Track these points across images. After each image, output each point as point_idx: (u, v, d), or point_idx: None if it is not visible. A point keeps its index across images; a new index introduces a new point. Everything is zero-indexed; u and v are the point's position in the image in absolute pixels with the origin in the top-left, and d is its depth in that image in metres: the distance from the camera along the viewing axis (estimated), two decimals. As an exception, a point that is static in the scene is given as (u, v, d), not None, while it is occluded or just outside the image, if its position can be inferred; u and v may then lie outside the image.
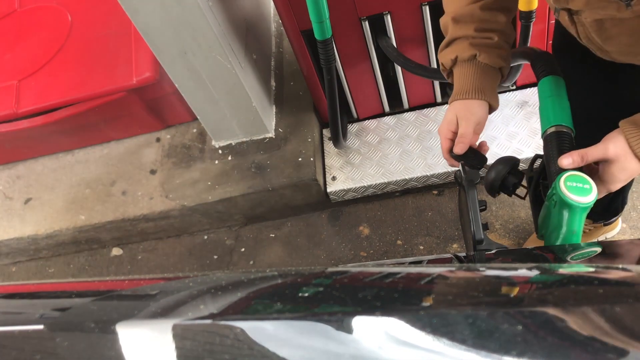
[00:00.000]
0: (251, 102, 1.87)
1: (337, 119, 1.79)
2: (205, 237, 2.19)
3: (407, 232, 1.98)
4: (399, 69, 1.89)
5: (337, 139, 1.92)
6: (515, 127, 1.92)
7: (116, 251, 2.26)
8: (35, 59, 2.19)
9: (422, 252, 1.93)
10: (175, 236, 2.22)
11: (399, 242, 1.98)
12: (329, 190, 2.02)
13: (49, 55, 2.19)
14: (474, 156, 1.01)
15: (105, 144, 2.28)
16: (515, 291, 0.63)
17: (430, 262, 1.00)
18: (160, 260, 2.19)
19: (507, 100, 1.98)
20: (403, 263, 1.04)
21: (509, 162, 0.97)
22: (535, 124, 1.91)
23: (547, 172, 0.92)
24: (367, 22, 1.70)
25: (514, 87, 2.00)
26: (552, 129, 0.92)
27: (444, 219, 1.98)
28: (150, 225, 2.14)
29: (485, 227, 0.99)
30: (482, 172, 1.02)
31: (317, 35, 1.48)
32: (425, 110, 2.06)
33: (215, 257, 2.13)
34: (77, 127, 2.16)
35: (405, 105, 2.07)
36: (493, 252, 0.95)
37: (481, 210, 1.01)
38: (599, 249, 0.86)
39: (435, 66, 1.85)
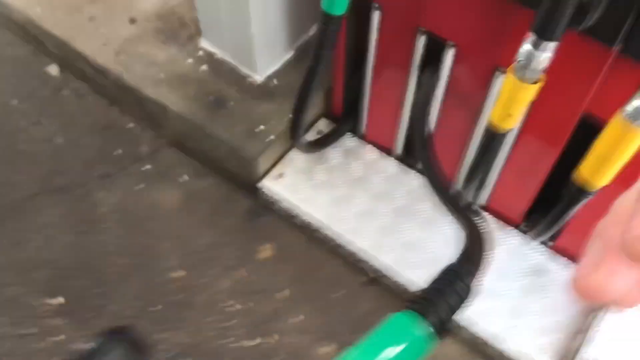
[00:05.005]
0: (250, 27, 1.41)
1: (302, 112, 1.30)
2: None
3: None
4: (432, 119, 1.36)
5: (296, 132, 1.40)
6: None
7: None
8: None
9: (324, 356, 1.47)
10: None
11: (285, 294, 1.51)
12: (264, 182, 1.55)
13: None
14: None
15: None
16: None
17: None
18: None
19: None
20: None
21: None
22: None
23: None
24: (424, 37, 1.17)
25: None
26: None
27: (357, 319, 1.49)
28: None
29: None
30: None
31: (324, 6, 1.01)
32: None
33: (120, 151, 1.74)
34: None
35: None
36: None
37: None
38: None
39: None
